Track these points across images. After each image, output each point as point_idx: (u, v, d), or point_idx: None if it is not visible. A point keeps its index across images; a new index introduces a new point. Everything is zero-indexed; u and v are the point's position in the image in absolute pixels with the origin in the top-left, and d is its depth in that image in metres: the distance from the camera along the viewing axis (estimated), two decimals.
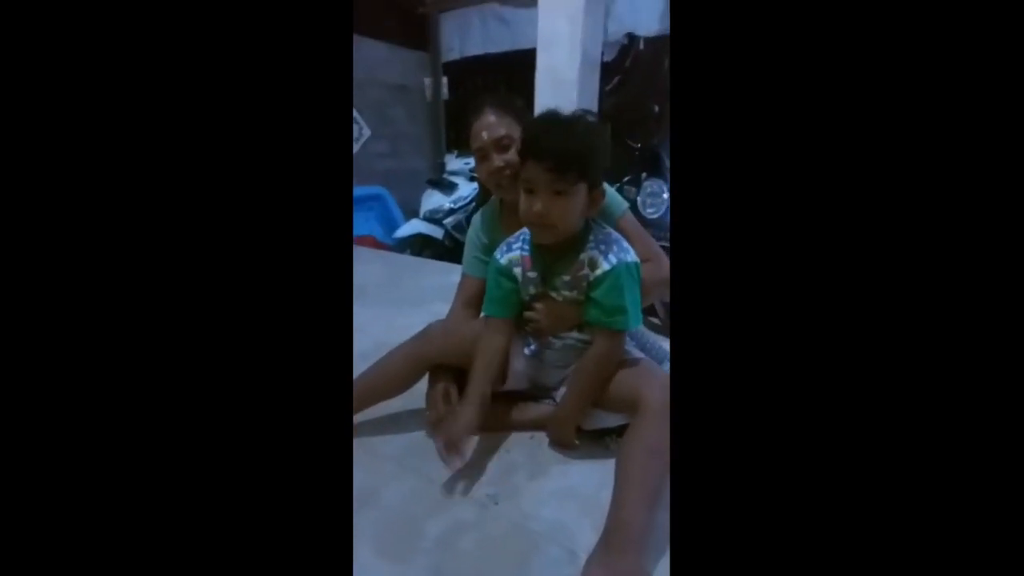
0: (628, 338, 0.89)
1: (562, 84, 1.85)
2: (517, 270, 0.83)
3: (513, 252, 0.83)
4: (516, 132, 0.92)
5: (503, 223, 1.00)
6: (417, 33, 3.84)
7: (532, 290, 0.83)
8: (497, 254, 0.86)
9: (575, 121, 0.72)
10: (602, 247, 0.77)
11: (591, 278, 0.77)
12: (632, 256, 0.78)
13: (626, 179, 2.78)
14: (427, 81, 3.94)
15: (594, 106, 1.96)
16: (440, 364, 0.90)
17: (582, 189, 0.72)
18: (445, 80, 3.97)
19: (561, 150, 0.69)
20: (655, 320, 1.43)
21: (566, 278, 0.79)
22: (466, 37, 3.83)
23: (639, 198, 2.68)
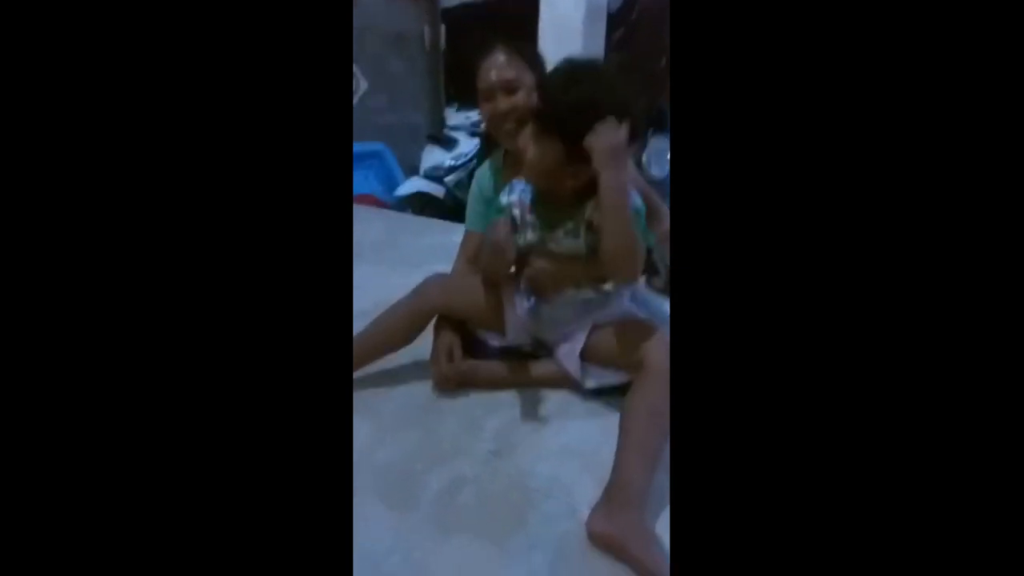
0: (631, 299, 0.88)
1: (566, 33, 1.77)
2: (516, 211, 0.83)
3: (514, 195, 0.83)
4: (527, 77, 0.88)
5: (506, 177, 0.98)
6: None
7: (530, 235, 0.83)
8: (501, 196, 0.86)
9: (584, 77, 0.71)
10: None
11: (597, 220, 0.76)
12: (640, 202, 0.77)
13: None
14: (426, 30, 3.76)
15: (599, 56, 1.87)
16: (441, 318, 0.90)
17: (556, 147, 0.72)
18: (444, 28, 3.79)
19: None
20: (656, 282, 1.42)
21: (570, 225, 0.79)
22: None
23: (644, 156, 2.61)
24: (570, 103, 0.68)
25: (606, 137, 0.67)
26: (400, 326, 0.87)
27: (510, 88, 0.88)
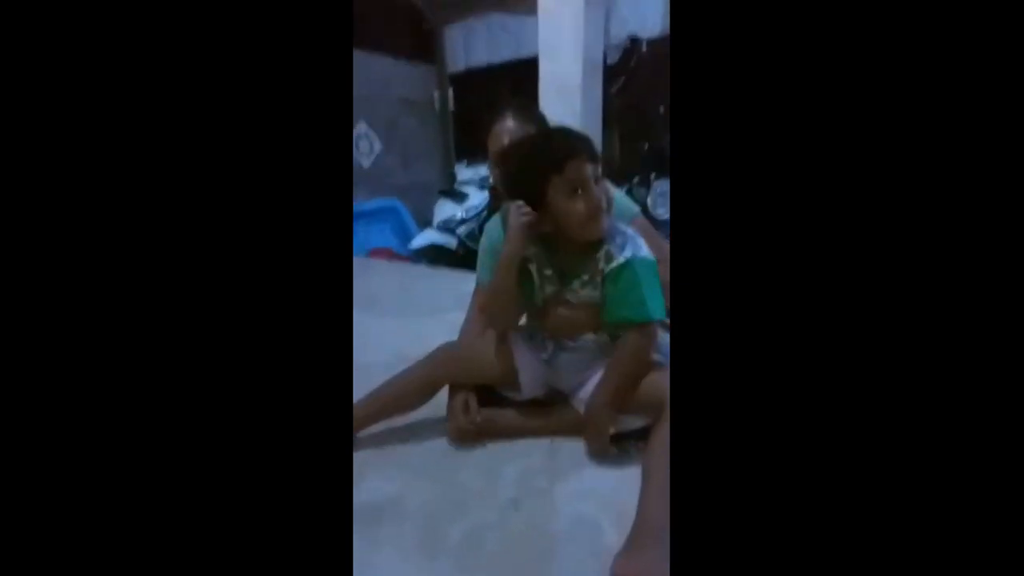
0: None
1: (566, 90, 1.87)
2: (531, 266, 0.86)
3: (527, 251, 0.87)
4: None
5: None
6: (423, 47, 3.91)
7: (548, 289, 0.86)
8: None
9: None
10: (618, 241, 0.80)
11: (606, 271, 0.80)
12: (647, 253, 0.81)
13: (636, 180, 2.79)
14: (435, 94, 3.99)
15: (598, 111, 1.97)
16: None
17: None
18: (451, 92, 4.03)
19: (589, 140, 0.78)
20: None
21: (585, 277, 0.82)
22: (471, 48, 3.88)
23: (649, 199, 2.69)
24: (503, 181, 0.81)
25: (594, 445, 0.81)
26: (410, 392, 0.89)
27: None
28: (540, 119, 0.99)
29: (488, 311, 0.95)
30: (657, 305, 0.78)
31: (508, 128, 0.95)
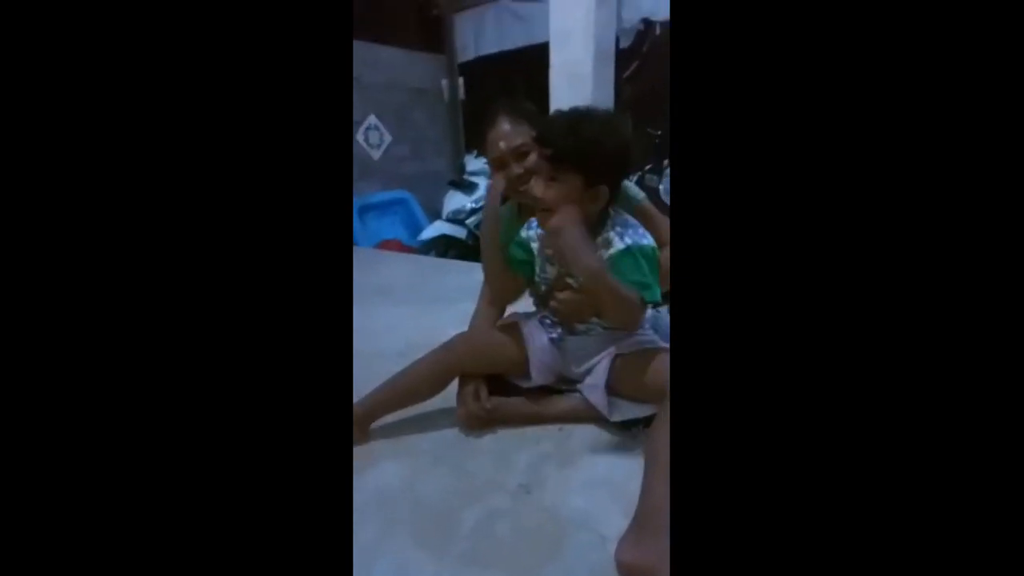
0: (652, 328, 0.91)
1: (577, 79, 1.86)
2: (534, 245, 0.91)
3: (532, 229, 0.92)
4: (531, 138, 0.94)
5: (521, 222, 1.03)
6: (433, 36, 3.88)
7: (549, 269, 0.88)
8: (521, 231, 0.94)
9: (587, 117, 0.77)
10: (618, 229, 0.82)
11: (605, 257, 0.80)
12: (649, 240, 0.82)
13: (648, 167, 2.76)
14: (444, 83, 3.97)
15: (610, 99, 1.95)
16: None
17: (575, 180, 0.77)
18: (461, 81, 4.00)
19: (562, 142, 0.76)
20: None
21: None
22: (480, 36, 3.84)
23: (661, 186, 2.65)
24: (578, 140, 0.75)
25: (559, 237, 0.75)
26: (425, 382, 0.90)
27: (520, 153, 0.92)
28: (531, 112, 0.98)
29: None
30: (656, 291, 0.81)
31: (505, 132, 0.94)
